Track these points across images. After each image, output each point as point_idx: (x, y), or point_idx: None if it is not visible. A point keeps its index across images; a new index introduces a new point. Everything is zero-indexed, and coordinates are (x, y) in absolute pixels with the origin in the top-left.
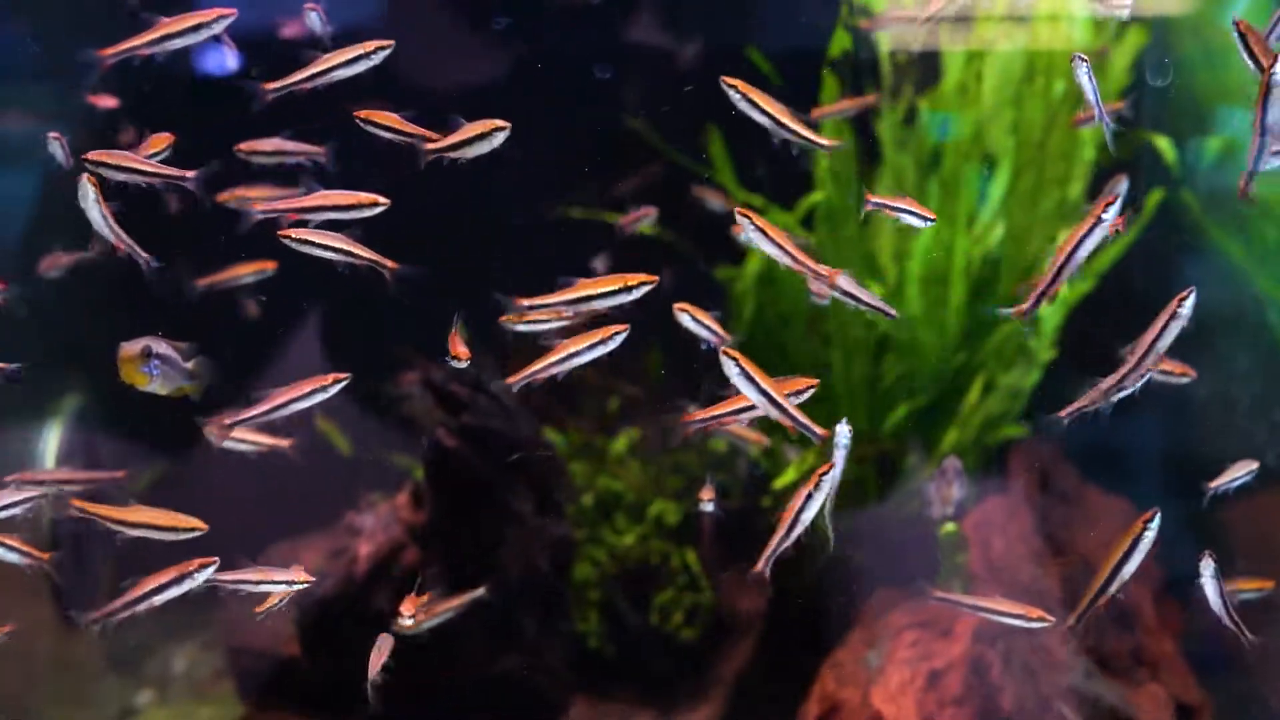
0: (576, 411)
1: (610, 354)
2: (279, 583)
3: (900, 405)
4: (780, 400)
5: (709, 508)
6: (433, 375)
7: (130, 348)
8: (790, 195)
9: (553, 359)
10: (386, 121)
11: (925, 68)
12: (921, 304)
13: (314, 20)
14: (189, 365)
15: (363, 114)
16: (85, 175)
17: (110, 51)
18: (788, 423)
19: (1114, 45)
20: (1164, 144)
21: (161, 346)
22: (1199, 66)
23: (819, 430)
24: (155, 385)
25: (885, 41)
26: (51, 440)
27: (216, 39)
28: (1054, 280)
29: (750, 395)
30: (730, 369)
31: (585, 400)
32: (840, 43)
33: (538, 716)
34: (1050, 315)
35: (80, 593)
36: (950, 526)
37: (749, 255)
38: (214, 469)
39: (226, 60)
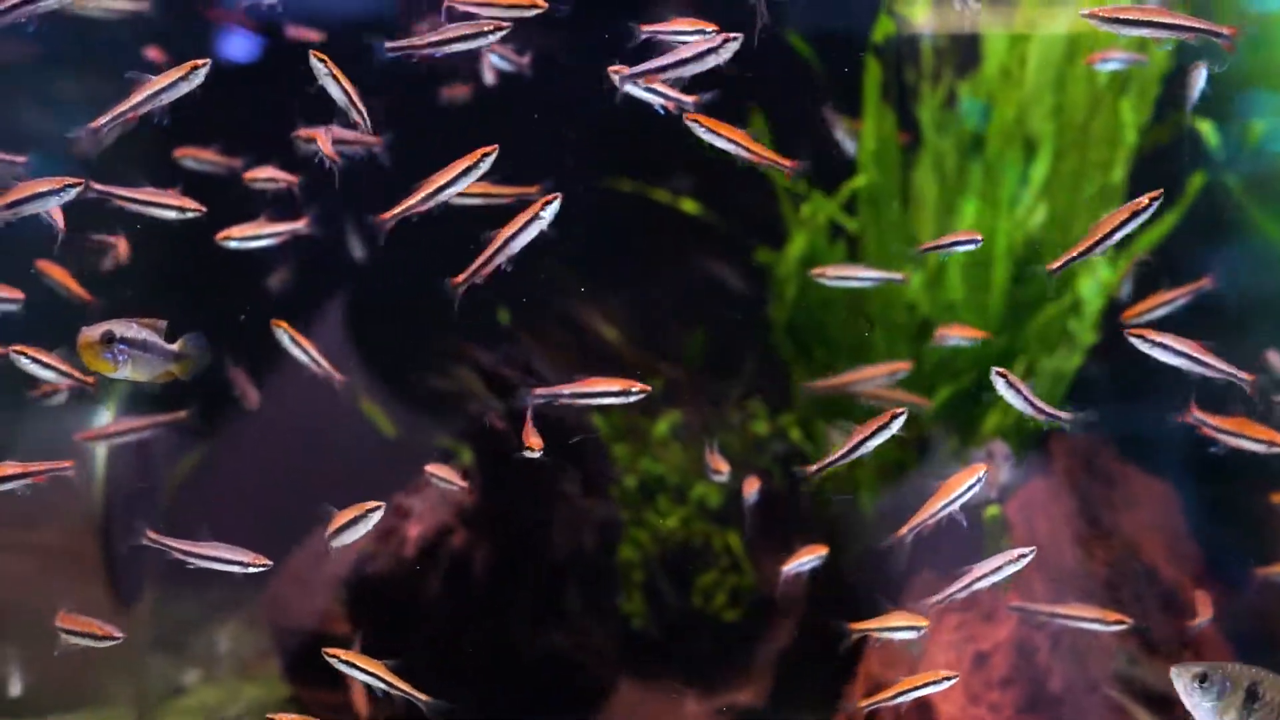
0: None
1: (653, 336)
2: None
3: (942, 388)
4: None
5: (721, 478)
6: (482, 359)
7: (89, 333)
8: (833, 179)
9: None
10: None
11: (965, 51)
12: (964, 287)
13: None
14: (174, 346)
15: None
16: None
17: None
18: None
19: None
20: (1206, 128)
21: (129, 329)
22: (1241, 49)
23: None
24: (126, 371)
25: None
26: (104, 420)
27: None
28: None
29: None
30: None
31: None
32: (884, 27)
33: (584, 696)
34: (1092, 300)
35: (131, 569)
36: (993, 509)
37: (792, 238)
38: (259, 451)
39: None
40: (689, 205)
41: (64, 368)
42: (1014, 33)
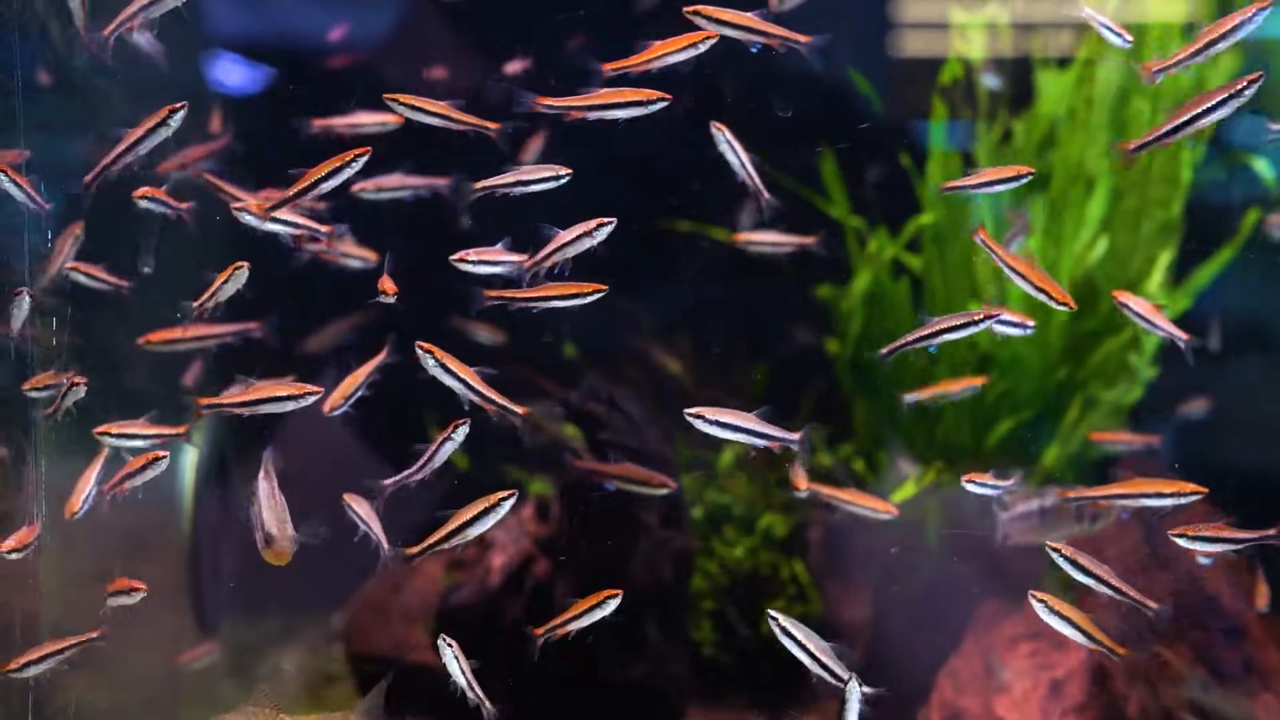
0: (685, 426)
1: (720, 368)
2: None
3: (1003, 421)
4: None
5: (803, 494)
6: (569, 396)
7: (286, 544)
8: (898, 217)
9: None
10: None
11: (1020, 88)
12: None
13: None
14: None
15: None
16: None
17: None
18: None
19: (1209, 69)
20: (1261, 164)
21: (286, 518)
22: None
23: (519, 409)
24: None
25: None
26: (190, 455)
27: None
28: None
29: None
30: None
31: None
32: (951, 70)
33: None
34: (1151, 335)
35: (215, 599)
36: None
37: (857, 275)
38: (330, 482)
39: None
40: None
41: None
42: (1070, 73)
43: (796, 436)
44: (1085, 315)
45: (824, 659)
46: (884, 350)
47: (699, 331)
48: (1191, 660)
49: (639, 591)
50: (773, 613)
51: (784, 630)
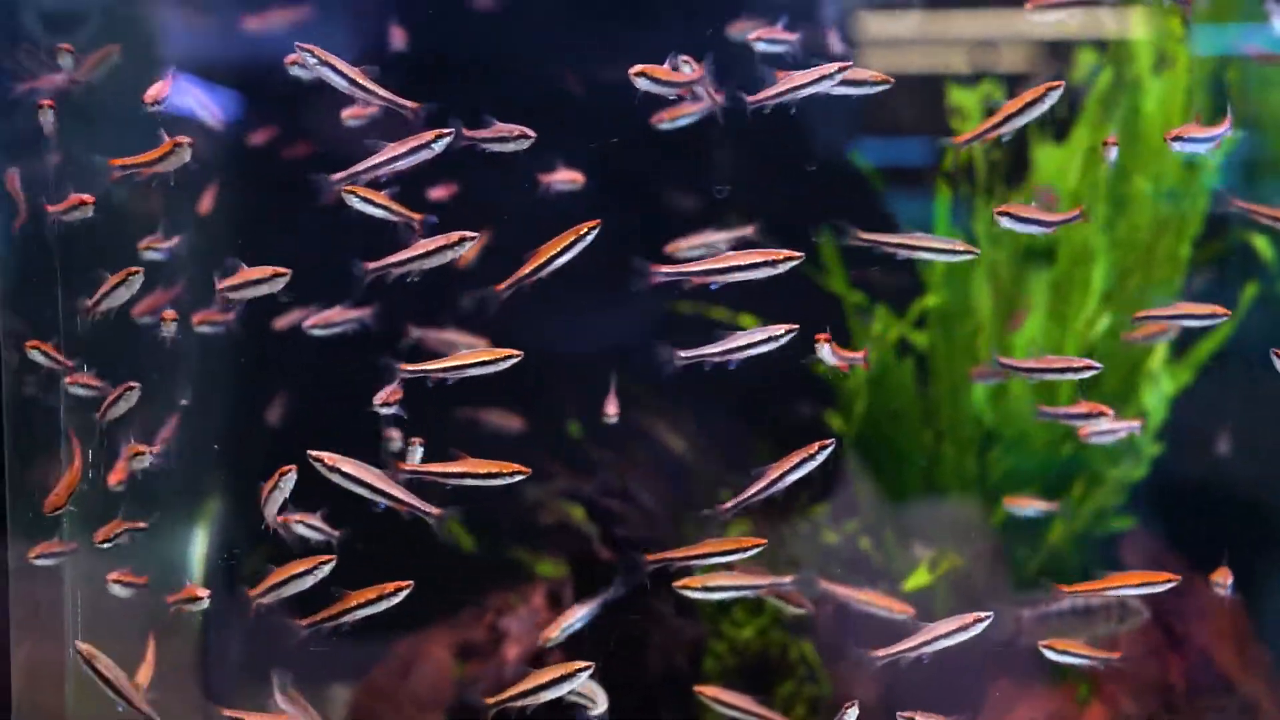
0: (691, 505)
1: (722, 447)
2: None
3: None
4: None
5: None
6: (583, 488)
7: None
8: (903, 298)
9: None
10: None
11: (1015, 159)
12: (1030, 399)
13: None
14: None
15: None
16: None
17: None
18: None
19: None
20: (1261, 241)
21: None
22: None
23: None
24: None
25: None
26: (199, 543)
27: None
28: None
29: None
30: None
31: (697, 492)
32: (953, 153)
33: None
34: (1156, 411)
35: (223, 674)
36: None
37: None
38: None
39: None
40: (747, 320)
41: None
42: (1067, 146)
43: (436, 512)
44: (1090, 392)
45: None
46: None
47: (701, 408)
48: None
49: (653, 679)
50: None
51: None
